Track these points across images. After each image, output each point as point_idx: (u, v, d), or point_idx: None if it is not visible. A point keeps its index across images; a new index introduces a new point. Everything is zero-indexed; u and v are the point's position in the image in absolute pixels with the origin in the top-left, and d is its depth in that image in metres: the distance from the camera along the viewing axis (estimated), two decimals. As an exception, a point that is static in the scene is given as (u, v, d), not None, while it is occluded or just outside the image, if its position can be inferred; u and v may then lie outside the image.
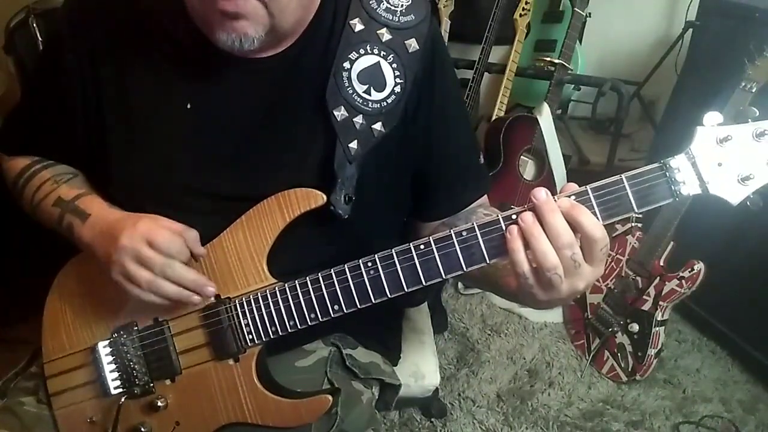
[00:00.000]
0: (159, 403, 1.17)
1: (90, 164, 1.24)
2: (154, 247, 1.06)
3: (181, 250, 1.08)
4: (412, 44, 1.13)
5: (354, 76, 1.12)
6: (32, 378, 1.27)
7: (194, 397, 1.17)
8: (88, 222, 1.14)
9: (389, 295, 1.04)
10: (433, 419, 2.30)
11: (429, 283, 1.02)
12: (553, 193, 0.94)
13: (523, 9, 3.09)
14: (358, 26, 1.13)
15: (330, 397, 1.16)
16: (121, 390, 1.19)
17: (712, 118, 0.93)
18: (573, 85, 3.26)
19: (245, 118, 1.15)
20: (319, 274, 1.08)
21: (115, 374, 1.19)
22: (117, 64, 1.15)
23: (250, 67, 1.13)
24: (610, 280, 2.54)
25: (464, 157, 1.31)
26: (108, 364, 1.19)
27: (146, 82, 1.15)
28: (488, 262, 0.99)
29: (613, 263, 2.54)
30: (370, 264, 1.04)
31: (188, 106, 1.14)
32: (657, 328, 2.37)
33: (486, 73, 3.11)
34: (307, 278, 1.09)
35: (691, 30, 2.91)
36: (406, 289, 1.03)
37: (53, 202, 1.19)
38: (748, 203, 0.94)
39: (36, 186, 1.23)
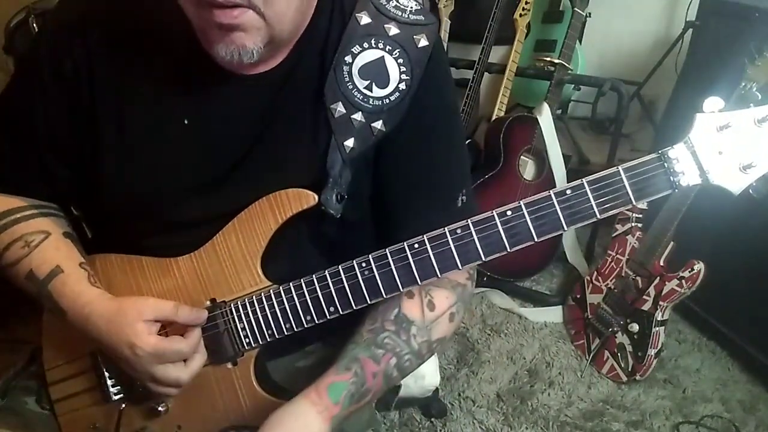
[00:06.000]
0: (160, 408, 1.17)
1: (76, 176, 1.20)
2: (167, 360, 1.08)
3: (188, 348, 1.09)
4: (422, 40, 1.09)
5: (355, 71, 1.09)
6: (33, 378, 1.27)
7: (194, 401, 1.17)
8: (67, 318, 1.12)
9: (384, 296, 1.04)
10: (433, 419, 2.30)
11: (425, 282, 1.02)
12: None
13: (523, 9, 3.08)
14: (365, 19, 1.09)
15: None
16: (121, 396, 1.19)
17: (712, 103, 0.92)
18: (573, 85, 3.25)
19: (243, 132, 1.12)
20: (314, 276, 1.07)
21: (115, 380, 1.19)
22: (115, 74, 1.11)
23: (249, 83, 1.10)
24: (610, 280, 2.54)
25: (432, 185, 1.19)
26: (108, 370, 1.19)
27: (144, 94, 1.12)
28: (483, 259, 0.99)
29: (613, 263, 2.54)
30: (364, 264, 1.04)
31: (186, 121, 1.12)
32: (657, 328, 2.37)
33: (486, 73, 3.11)
34: (302, 280, 1.08)
35: (691, 30, 2.91)
36: (401, 289, 1.03)
37: (25, 275, 1.14)
38: (750, 191, 0.93)
39: (5, 243, 1.16)
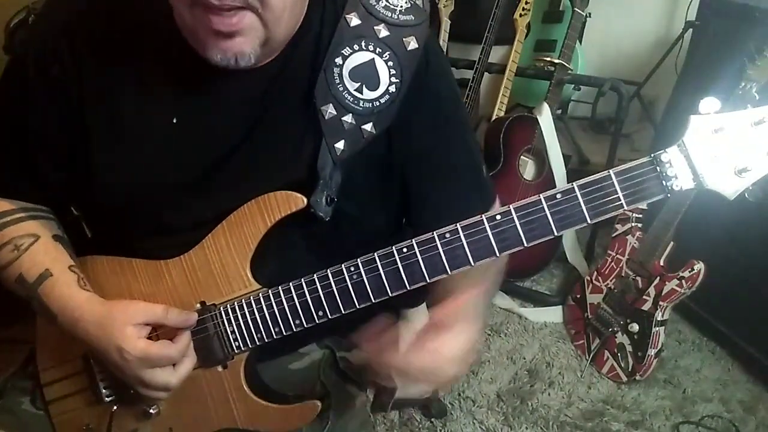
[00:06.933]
0: (151, 411, 1.17)
1: (67, 178, 1.19)
2: (156, 365, 1.08)
3: (177, 352, 1.09)
4: (411, 42, 1.09)
5: (345, 72, 1.08)
6: (29, 378, 1.27)
7: (186, 403, 1.18)
8: (58, 322, 1.12)
9: (373, 300, 1.04)
10: (433, 419, 2.31)
11: (413, 286, 1.02)
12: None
13: (523, 9, 3.07)
14: (354, 21, 1.08)
15: (318, 403, 1.16)
16: (112, 398, 1.19)
17: (709, 104, 0.90)
18: (573, 85, 3.25)
19: (233, 130, 1.12)
20: (302, 280, 1.07)
21: (107, 382, 1.19)
22: (103, 75, 1.10)
23: (239, 81, 1.09)
24: (610, 280, 2.54)
25: (457, 166, 1.24)
26: (99, 372, 1.19)
27: (133, 94, 1.11)
28: (473, 264, 0.98)
29: (613, 263, 2.54)
30: (353, 269, 1.03)
31: (174, 120, 1.11)
32: (657, 328, 2.37)
33: (486, 73, 3.10)
34: (291, 284, 1.08)
35: (691, 30, 2.90)
36: (390, 294, 1.03)
37: (15, 279, 1.14)
38: (746, 195, 0.91)
39: None
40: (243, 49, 0.98)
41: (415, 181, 1.22)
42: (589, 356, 2.58)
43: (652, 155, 0.91)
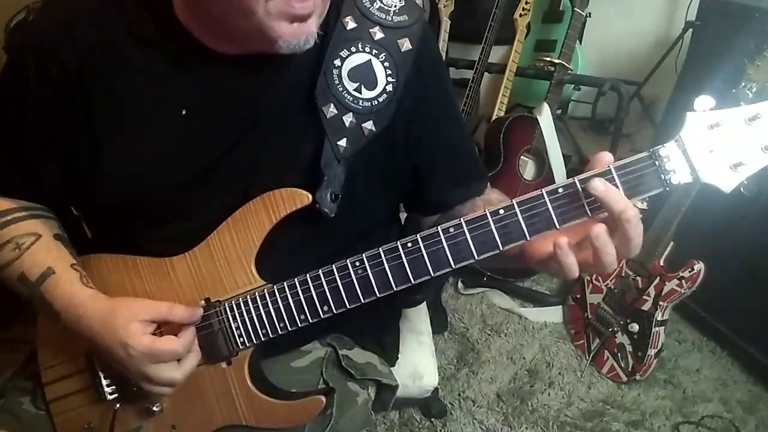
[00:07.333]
0: (154, 408, 1.17)
1: (67, 178, 1.18)
2: (161, 360, 1.07)
3: (182, 347, 1.09)
4: (405, 44, 1.11)
5: (344, 73, 1.10)
6: (30, 378, 1.27)
7: (189, 400, 1.18)
8: (61, 319, 1.12)
9: (378, 294, 1.04)
10: (433, 419, 2.31)
11: (418, 281, 1.02)
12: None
13: (523, 9, 3.08)
14: (351, 24, 1.11)
15: (323, 398, 1.16)
16: (115, 396, 1.19)
17: (703, 102, 0.91)
18: (573, 85, 3.25)
19: (239, 121, 1.12)
20: (308, 275, 1.08)
21: (110, 380, 1.19)
22: (108, 72, 1.09)
23: (242, 74, 1.10)
24: (610, 280, 2.54)
25: (455, 155, 1.29)
26: (102, 370, 1.19)
27: (138, 89, 1.10)
28: (476, 258, 0.98)
29: (613, 263, 2.53)
30: (357, 263, 1.04)
31: (183, 112, 1.11)
32: (657, 328, 2.37)
33: (486, 73, 3.11)
34: (296, 279, 1.08)
35: (691, 30, 2.90)
36: (395, 288, 1.03)
37: (18, 277, 1.14)
38: (741, 189, 0.92)
39: None
40: (312, 29, 1.01)
41: (418, 170, 1.25)
42: (589, 356, 2.59)
43: (651, 150, 0.92)
